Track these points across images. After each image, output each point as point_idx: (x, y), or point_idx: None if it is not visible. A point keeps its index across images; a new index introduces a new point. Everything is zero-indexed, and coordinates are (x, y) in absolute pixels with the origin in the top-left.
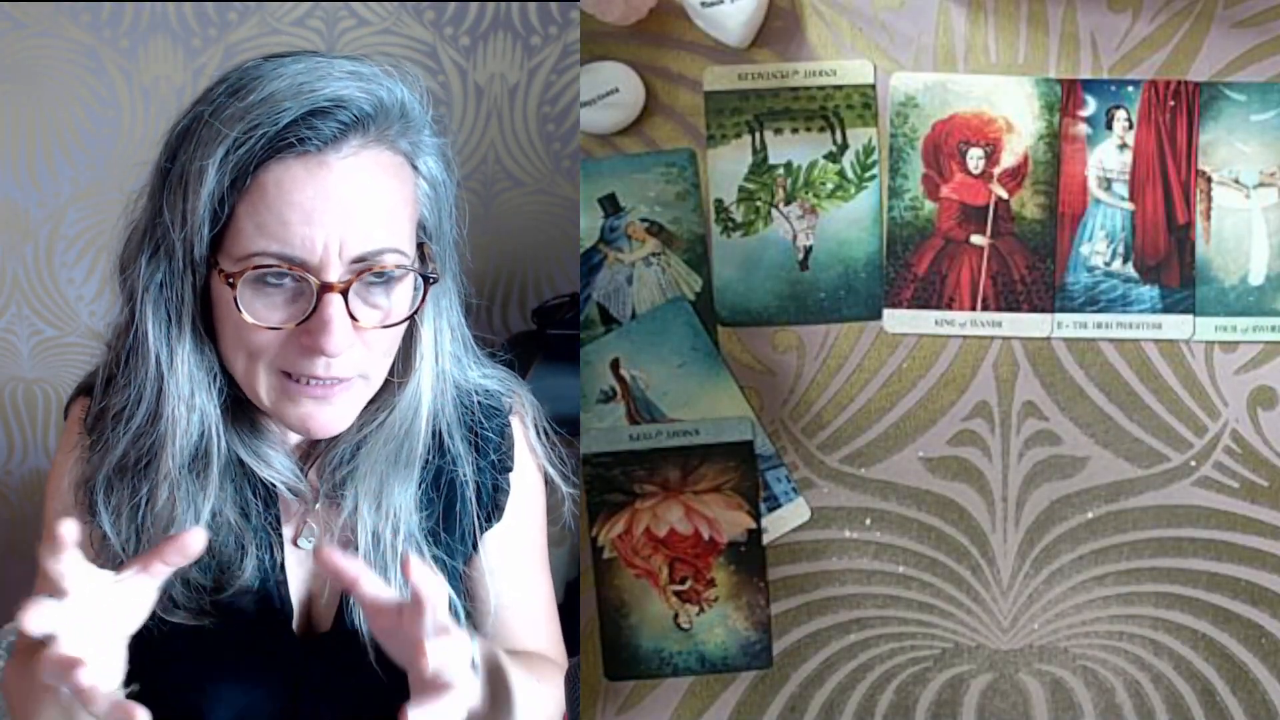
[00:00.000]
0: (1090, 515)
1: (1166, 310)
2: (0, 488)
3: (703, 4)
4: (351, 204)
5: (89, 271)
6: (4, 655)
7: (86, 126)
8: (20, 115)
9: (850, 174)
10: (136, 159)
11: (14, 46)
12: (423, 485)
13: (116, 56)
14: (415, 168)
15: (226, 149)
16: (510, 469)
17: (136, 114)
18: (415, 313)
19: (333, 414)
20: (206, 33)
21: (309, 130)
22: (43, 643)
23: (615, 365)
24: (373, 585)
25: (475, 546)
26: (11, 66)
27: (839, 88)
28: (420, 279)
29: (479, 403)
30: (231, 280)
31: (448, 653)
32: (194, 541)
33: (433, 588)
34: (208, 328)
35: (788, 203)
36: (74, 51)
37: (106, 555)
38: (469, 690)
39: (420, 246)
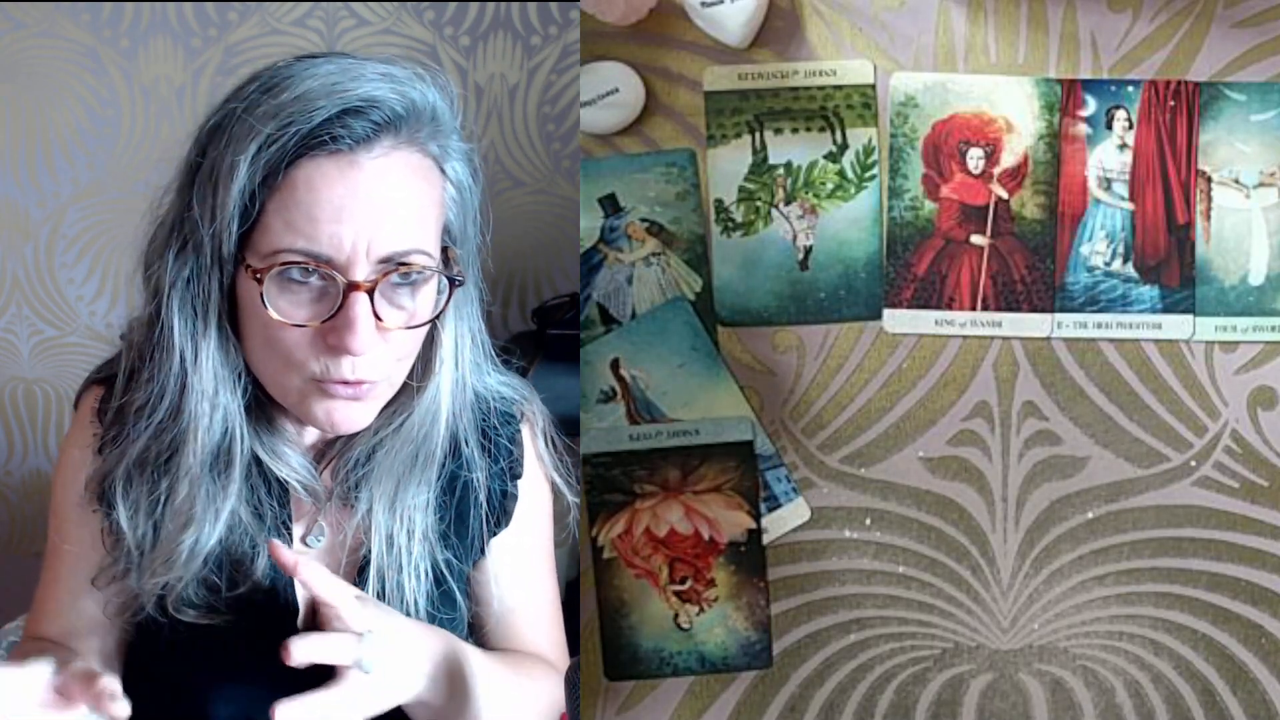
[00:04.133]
0: (1090, 515)
1: (1166, 310)
2: (0, 488)
3: (703, 4)
4: (380, 204)
5: (89, 271)
6: (4, 655)
7: (86, 126)
8: (20, 115)
9: (850, 174)
10: (136, 159)
11: (14, 46)
12: (437, 489)
13: (116, 56)
14: (443, 171)
15: (259, 145)
16: (520, 476)
17: (136, 114)
18: (439, 315)
19: (359, 411)
20: (206, 33)
21: (342, 129)
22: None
23: (615, 365)
24: (312, 575)
25: (483, 550)
26: (11, 66)
27: (839, 88)
28: (445, 282)
29: (495, 409)
30: (259, 276)
31: (319, 649)
32: (120, 711)
33: (323, 587)
34: (233, 325)
35: (788, 203)
36: (74, 51)
37: (120, 551)
38: (353, 692)
39: (444, 250)
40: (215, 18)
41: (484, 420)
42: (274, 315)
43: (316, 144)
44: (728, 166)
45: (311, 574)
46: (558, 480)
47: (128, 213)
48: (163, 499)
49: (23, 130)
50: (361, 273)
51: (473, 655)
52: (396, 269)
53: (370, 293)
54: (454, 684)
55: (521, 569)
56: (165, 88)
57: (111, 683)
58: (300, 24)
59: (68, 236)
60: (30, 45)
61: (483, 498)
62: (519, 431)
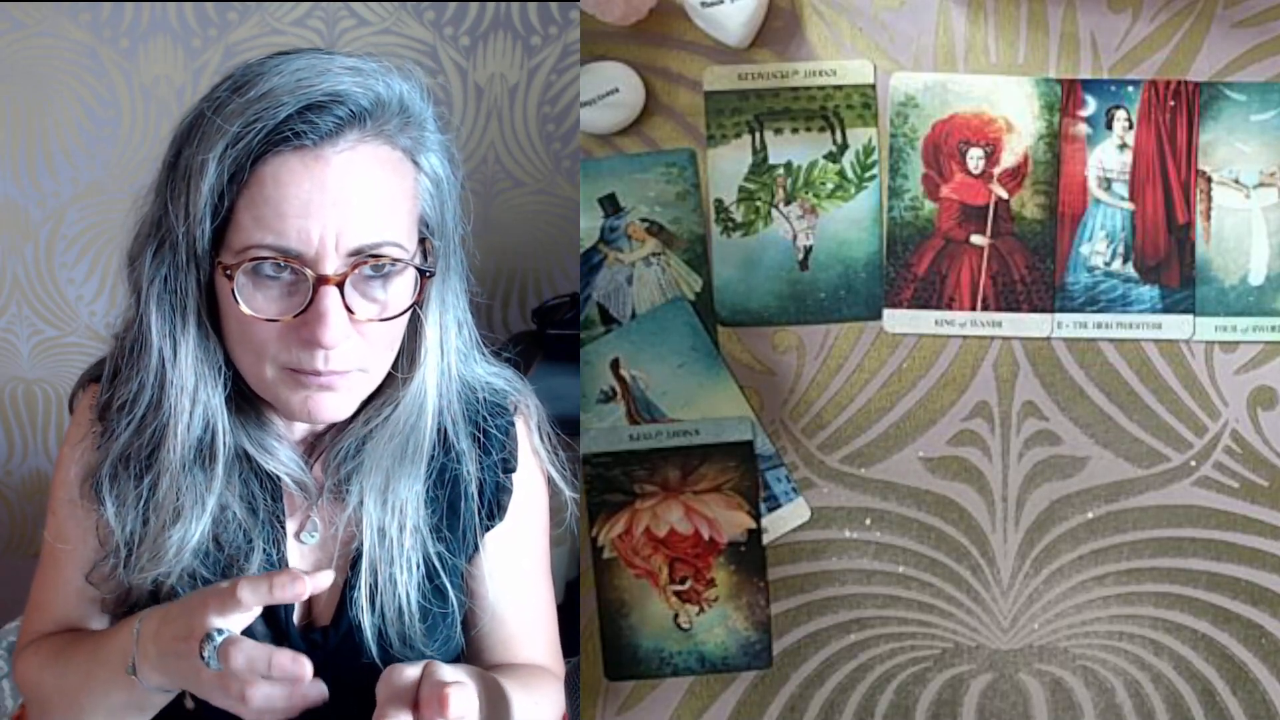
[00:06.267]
0: (1090, 515)
1: (1166, 310)
2: (0, 488)
3: (703, 4)
4: (348, 197)
5: (89, 271)
6: (3, 654)
7: (86, 126)
8: (20, 115)
9: (850, 174)
10: (136, 159)
11: (14, 46)
12: (428, 481)
13: (116, 56)
14: (416, 163)
15: (226, 143)
16: (514, 469)
17: (136, 114)
18: (413, 306)
19: (335, 401)
20: (206, 33)
21: (306, 125)
22: (71, 631)
23: (615, 365)
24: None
25: (477, 546)
26: (11, 66)
27: (839, 88)
28: (419, 274)
29: (485, 400)
30: (230, 273)
31: None
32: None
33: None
34: (214, 322)
35: (788, 203)
36: (74, 51)
37: (110, 544)
38: None
39: (422, 242)
40: (215, 18)
41: (475, 411)
42: (246, 311)
43: (281, 140)
44: (728, 166)
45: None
46: (554, 475)
47: (128, 213)
48: (146, 494)
49: (23, 130)
50: (331, 266)
51: (508, 688)
52: (367, 261)
53: (341, 286)
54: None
55: (515, 566)
56: (165, 88)
57: (281, 656)
58: (300, 24)
59: (68, 236)
60: (30, 45)
61: (474, 490)
62: (512, 424)
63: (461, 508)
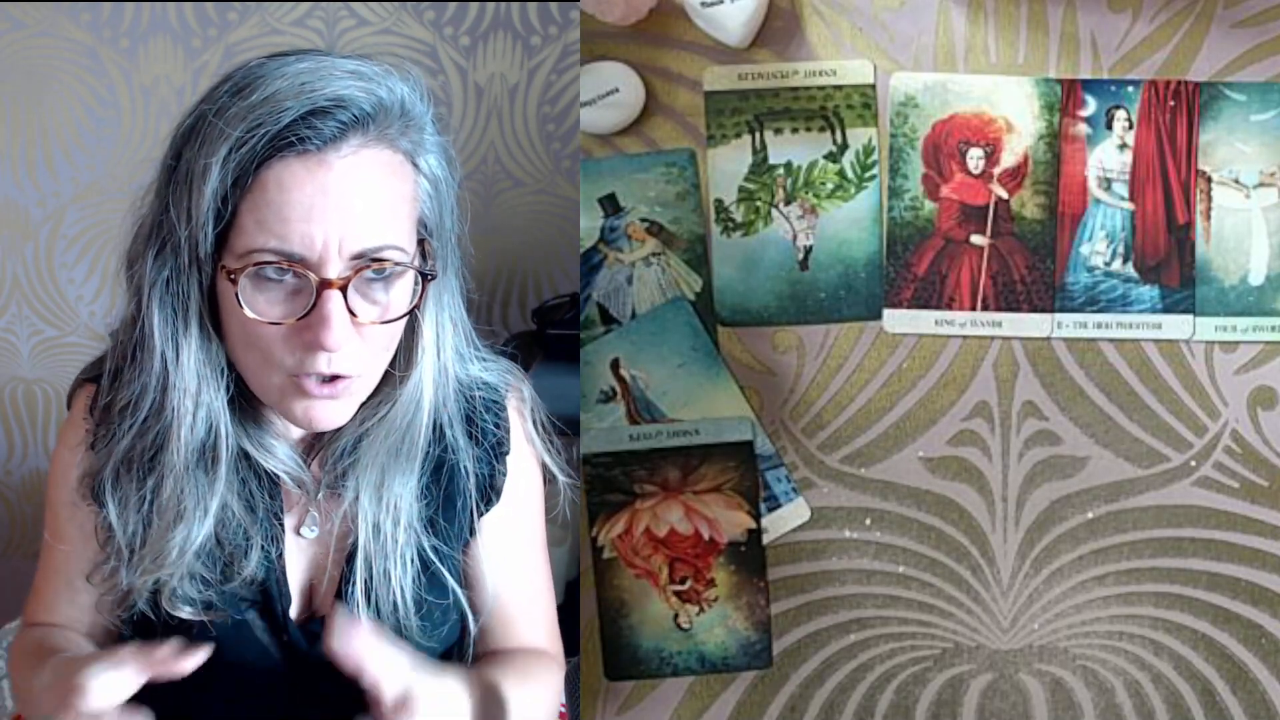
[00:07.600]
0: (1090, 515)
1: (1166, 310)
2: (0, 488)
3: (703, 4)
4: (351, 202)
5: (89, 271)
6: (2, 655)
7: (86, 126)
8: (20, 115)
9: (850, 174)
10: (136, 159)
11: (14, 46)
12: (422, 476)
13: (116, 56)
14: (416, 165)
15: (229, 148)
16: (507, 453)
17: (136, 114)
18: (414, 308)
19: (336, 409)
20: (206, 33)
21: (309, 130)
22: (49, 630)
23: (615, 365)
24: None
25: (473, 532)
26: (11, 66)
27: (839, 88)
28: (419, 276)
29: (479, 396)
30: (233, 276)
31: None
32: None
33: (375, 662)
34: (216, 324)
35: (788, 203)
36: (74, 51)
37: (111, 546)
38: None
39: (421, 243)
40: (215, 18)
41: (469, 407)
42: (250, 314)
43: (285, 145)
44: (728, 166)
45: (359, 649)
46: (548, 460)
47: (127, 213)
48: (149, 496)
49: (23, 130)
50: (334, 270)
51: (500, 681)
52: (369, 265)
53: (344, 289)
54: (491, 713)
55: (511, 549)
56: (165, 88)
57: (164, 650)
58: (300, 24)
59: (68, 236)
60: (30, 45)
61: (470, 485)
62: (505, 414)
63: (458, 500)
